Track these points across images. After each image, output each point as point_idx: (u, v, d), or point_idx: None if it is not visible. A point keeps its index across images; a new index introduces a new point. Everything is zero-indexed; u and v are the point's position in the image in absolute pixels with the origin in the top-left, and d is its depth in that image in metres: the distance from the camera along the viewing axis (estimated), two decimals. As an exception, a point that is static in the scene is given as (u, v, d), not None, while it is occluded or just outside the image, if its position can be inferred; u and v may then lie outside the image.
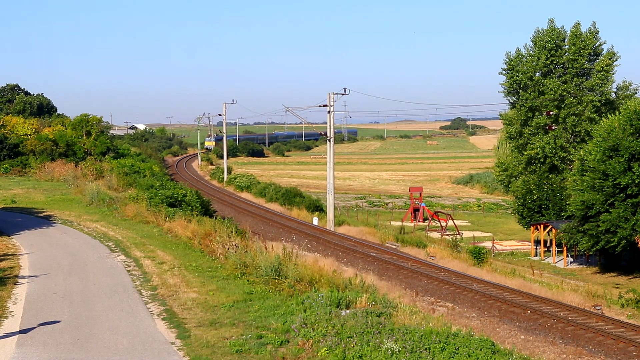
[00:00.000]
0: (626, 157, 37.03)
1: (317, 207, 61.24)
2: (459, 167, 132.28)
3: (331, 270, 22.61)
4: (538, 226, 47.48)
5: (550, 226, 45.91)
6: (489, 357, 13.60)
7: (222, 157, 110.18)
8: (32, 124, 79.71)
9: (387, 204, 77.84)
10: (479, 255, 39.70)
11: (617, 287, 35.96)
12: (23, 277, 22.60)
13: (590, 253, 42.17)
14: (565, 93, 54.96)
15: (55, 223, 36.56)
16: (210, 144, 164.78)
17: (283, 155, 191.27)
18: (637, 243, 36.91)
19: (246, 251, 24.04)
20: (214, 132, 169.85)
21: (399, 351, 13.62)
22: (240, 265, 22.83)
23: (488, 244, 48.23)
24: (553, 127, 55.36)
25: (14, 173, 66.55)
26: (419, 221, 62.84)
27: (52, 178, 61.66)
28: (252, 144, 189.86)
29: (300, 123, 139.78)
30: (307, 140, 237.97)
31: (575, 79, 55.74)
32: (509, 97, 58.94)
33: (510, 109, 59.90)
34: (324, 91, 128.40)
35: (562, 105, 55.25)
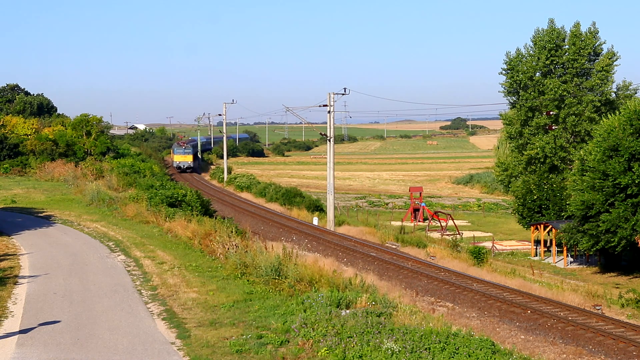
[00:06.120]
0: (626, 157, 37.02)
1: (317, 207, 61.25)
2: (459, 167, 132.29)
3: (331, 270, 22.62)
4: (538, 226, 47.48)
5: (550, 226, 45.90)
6: (489, 357, 13.60)
7: (222, 157, 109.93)
8: (32, 124, 79.79)
9: (387, 204, 77.83)
10: (479, 255, 39.70)
11: (617, 287, 35.96)
12: (23, 277, 22.61)
13: (590, 253, 42.17)
14: (565, 93, 54.96)
15: (55, 223, 36.57)
16: (185, 158, 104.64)
17: (283, 155, 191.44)
18: (637, 243, 36.91)
19: (246, 251, 24.05)
20: (212, 133, 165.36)
21: (399, 351, 13.62)
22: (240, 265, 22.83)
23: (488, 244, 48.23)
24: (553, 127, 55.36)
25: (14, 173, 66.61)
26: (419, 221, 62.83)
27: (52, 178, 61.71)
28: (252, 144, 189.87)
29: (300, 123, 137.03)
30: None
31: (575, 79, 55.74)
32: (509, 97, 58.96)
33: (510, 109, 59.90)
34: (324, 91, 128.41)
35: (562, 105, 55.25)
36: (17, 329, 16.30)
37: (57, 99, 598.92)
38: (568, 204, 41.91)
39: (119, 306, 18.62)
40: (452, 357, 13.52)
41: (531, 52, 57.32)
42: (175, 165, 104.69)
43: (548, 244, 48.51)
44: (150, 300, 19.37)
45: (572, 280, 38.52)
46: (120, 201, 42.28)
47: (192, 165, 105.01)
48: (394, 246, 43.24)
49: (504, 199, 76.85)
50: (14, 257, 26.19)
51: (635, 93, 55.44)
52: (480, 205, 75.23)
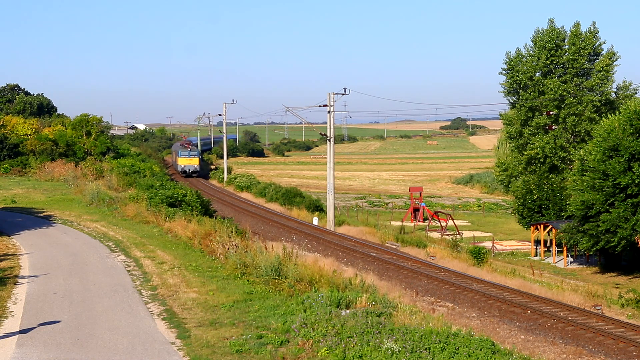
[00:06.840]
0: (626, 157, 37.03)
1: (317, 207, 61.24)
2: (459, 167, 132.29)
3: (331, 270, 22.61)
4: (538, 226, 47.47)
5: (550, 226, 45.90)
6: (489, 357, 13.60)
7: (222, 157, 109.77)
8: (32, 124, 79.78)
9: (387, 204, 77.83)
10: (479, 255, 39.69)
11: (617, 287, 35.96)
12: (23, 277, 22.61)
13: (590, 253, 42.16)
14: (565, 93, 54.97)
15: (55, 223, 36.57)
16: (190, 161, 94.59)
17: (283, 155, 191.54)
18: (637, 243, 36.91)
19: (246, 251, 24.05)
20: (212, 132, 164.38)
21: (399, 351, 13.62)
22: (240, 265, 22.83)
23: (488, 244, 48.22)
24: (553, 127, 55.39)
25: (14, 173, 66.60)
26: (419, 221, 62.83)
27: (52, 178, 61.71)
28: (252, 144, 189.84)
29: (300, 123, 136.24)
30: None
31: (575, 79, 55.75)
32: (509, 97, 58.99)
33: (510, 109, 59.93)
34: (324, 91, 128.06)
35: (562, 105, 55.26)
36: (17, 329, 16.30)
37: (57, 99, 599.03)
38: (568, 204, 41.90)
39: (119, 306, 18.62)
40: (452, 357, 13.52)
41: (531, 52, 57.34)
42: (179, 169, 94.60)
43: (548, 244, 48.50)
44: (150, 300, 19.37)
45: (572, 280, 38.51)
46: (120, 201, 42.28)
47: (198, 169, 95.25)
48: (394, 246, 43.23)
49: (504, 199, 76.85)
50: (14, 257, 26.19)
51: (635, 93, 55.48)
52: (480, 205, 75.23)
